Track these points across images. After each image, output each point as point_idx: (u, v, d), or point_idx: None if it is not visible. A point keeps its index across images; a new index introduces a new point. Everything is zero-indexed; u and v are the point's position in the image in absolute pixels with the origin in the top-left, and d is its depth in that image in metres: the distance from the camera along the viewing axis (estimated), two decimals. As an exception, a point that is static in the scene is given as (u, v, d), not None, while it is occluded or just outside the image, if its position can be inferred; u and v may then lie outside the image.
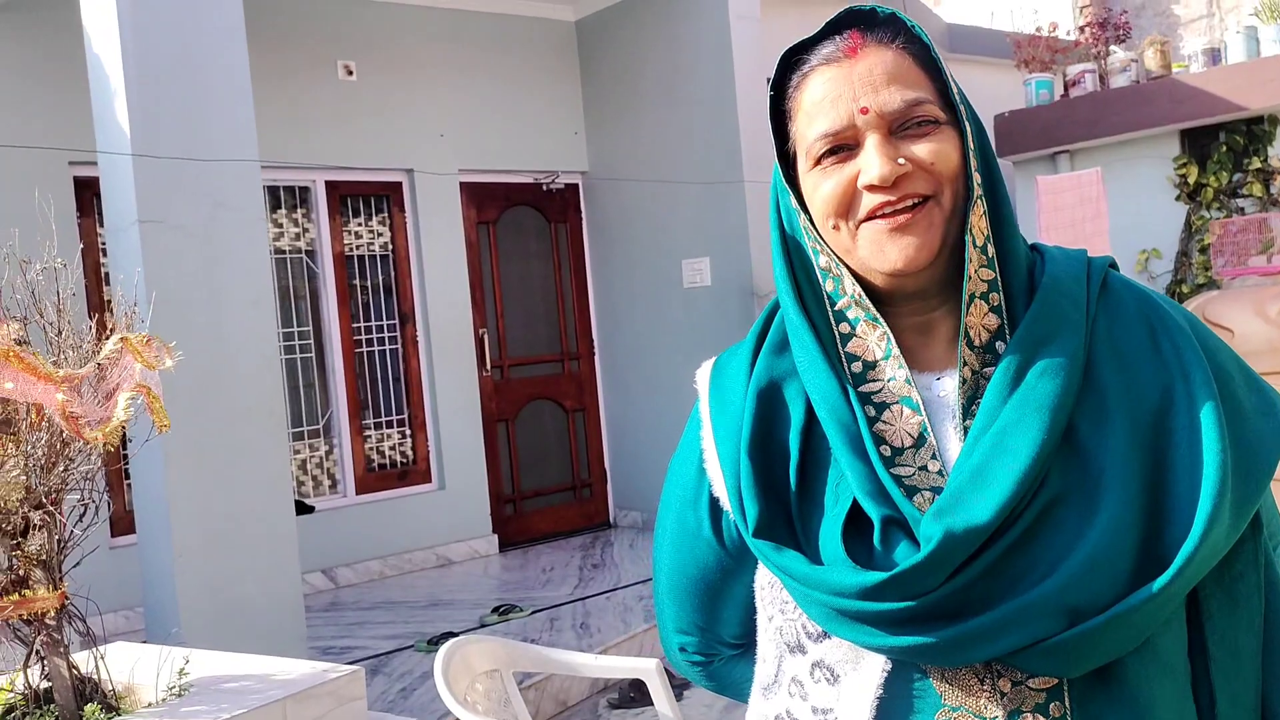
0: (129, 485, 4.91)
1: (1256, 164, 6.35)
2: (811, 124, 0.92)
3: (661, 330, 6.71)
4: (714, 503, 1.02)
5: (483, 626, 4.85)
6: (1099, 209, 5.18)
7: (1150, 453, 0.85)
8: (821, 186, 0.92)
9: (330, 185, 6.23)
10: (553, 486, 7.06)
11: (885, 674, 0.88)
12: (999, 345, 0.91)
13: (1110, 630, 0.80)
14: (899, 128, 0.90)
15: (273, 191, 6.03)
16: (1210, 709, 0.88)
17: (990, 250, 0.92)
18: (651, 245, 6.78)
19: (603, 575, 5.76)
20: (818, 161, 0.93)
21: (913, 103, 0.90)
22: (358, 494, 6.19)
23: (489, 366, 6.76)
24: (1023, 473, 0.83)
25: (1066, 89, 6.98)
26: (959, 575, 0.83)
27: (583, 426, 7.21)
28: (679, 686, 4.16)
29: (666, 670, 3.38)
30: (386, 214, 6.46)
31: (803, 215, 0.95)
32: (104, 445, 1.45)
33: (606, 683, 4.41)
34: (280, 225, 6.12)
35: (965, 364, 0.91)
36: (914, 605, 0.83)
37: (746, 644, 1.11)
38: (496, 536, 6.64)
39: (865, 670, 0.89)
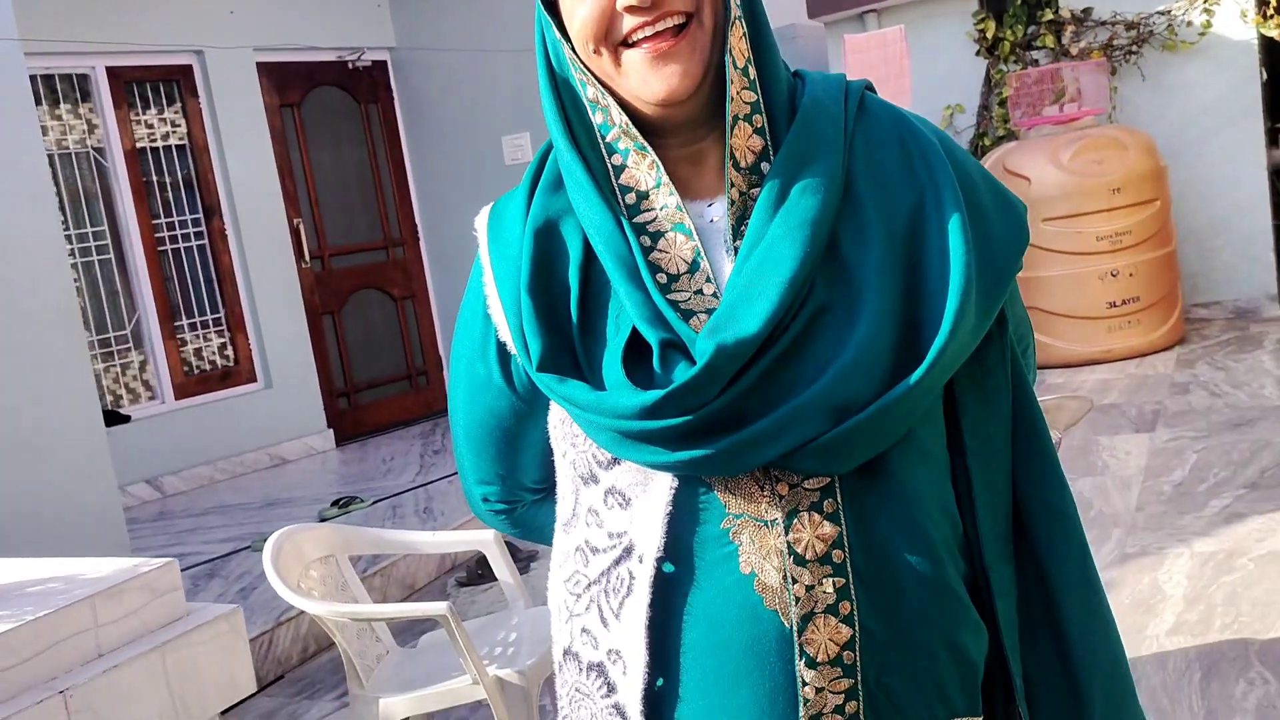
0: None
1: (1049, 15, 6.61)
2: None
3: (486, 210, 6.58)
4: (501, 348, 1.02)
5: (322, 521, 4.78)
6: (902, 66, 5.31)
7: (906, 262, 0.90)
8: (578, 10, 0.90)
9: (111, 72, 5.74)
10: (387, 377, 6.94)
11: (673, 491, 0.91)
12: (764, 167, 0.93)
13: (874, 424, 0.86)
14: None
15: (48, 81, 5.52)
16: (968, 494, 0.96)
17: (751, 72, 0.92)
18: (469, 122, 6.58)
19: (444, 460, 5.75)
20: None
21: None
22: (177, 399, 5.93)
23: (308, 258, 6.50)
24: (787, 284, 0.86)
25: (872, -54, 7.04)
26: (733, 387, 0.86)
27: (413, 314, 7.08)
28: (525, 559, 4.24)
29: (508, 542, 3.43)
30: (179, 102, 6.03)
31: (566, 46, 0.93)
32: None
33: (454, 562, 4.45)
34: (62, 119, 5.63)
35: (733, 185, 0.92)
36: (692, 420, 0.85)
37: (547, 489, 1.12)
38: (332, 431, 6.52)
39: (654, 490, 0.92)
